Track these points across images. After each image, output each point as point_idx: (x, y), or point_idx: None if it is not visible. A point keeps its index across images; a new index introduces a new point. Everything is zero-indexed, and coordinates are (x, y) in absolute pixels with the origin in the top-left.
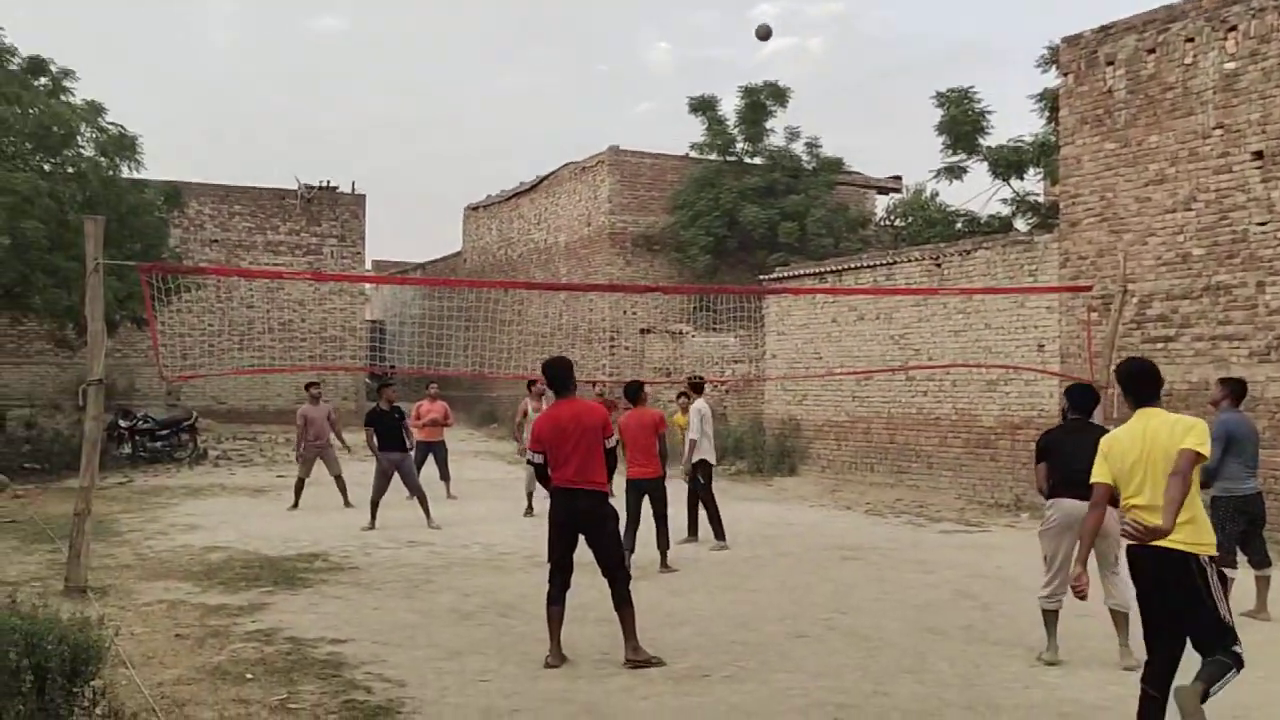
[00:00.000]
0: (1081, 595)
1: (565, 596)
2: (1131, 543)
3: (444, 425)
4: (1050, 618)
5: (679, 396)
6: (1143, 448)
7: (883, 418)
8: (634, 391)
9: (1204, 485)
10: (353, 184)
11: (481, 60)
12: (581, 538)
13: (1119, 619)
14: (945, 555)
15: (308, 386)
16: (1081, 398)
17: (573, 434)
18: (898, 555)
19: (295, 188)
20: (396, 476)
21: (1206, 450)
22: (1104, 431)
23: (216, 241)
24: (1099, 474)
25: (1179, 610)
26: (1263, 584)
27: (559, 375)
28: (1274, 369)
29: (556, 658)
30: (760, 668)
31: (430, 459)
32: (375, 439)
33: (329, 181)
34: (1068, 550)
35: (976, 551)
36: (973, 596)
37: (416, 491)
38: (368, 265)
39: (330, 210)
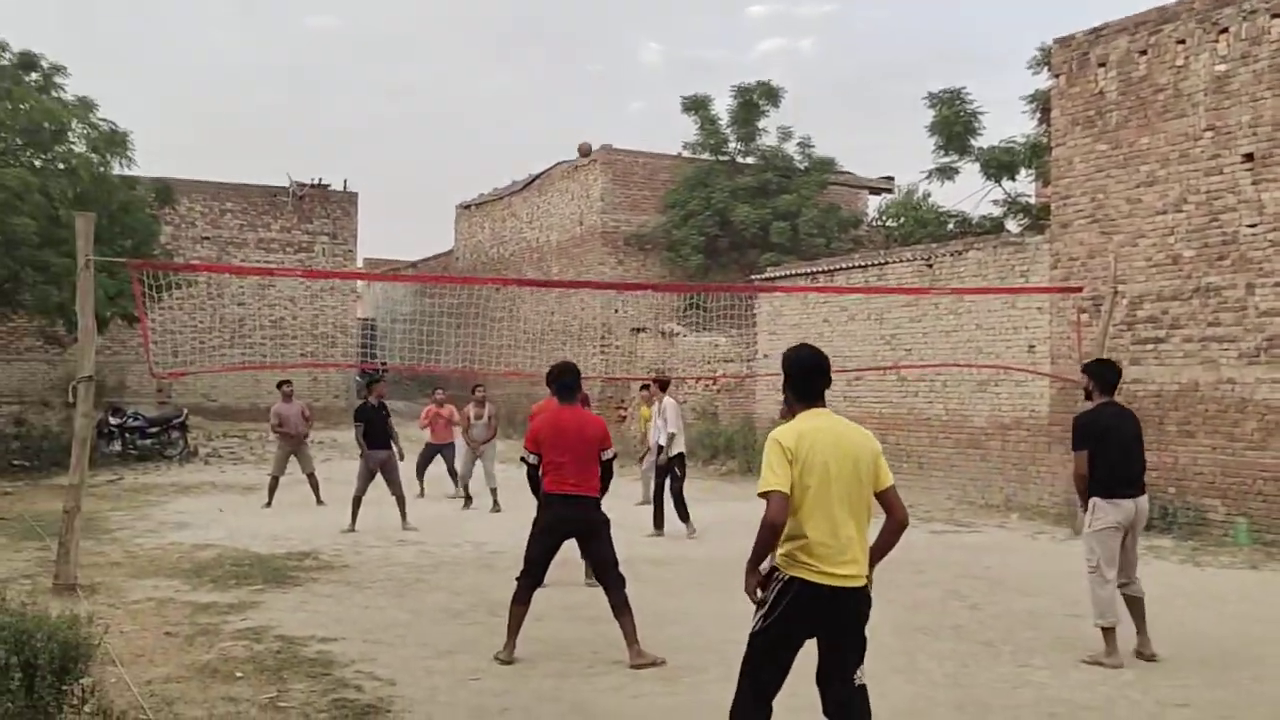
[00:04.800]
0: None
1: (531, 598)
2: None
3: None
4: (1110, 634)
5: (643, 389)
6: (838, 459)
7: (874, 417)
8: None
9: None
10: (344, 182)
11: (473, 59)
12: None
13: (1137, 606)
14: (935, 555)
15: (280, 385)
16: (1112, 375)
17: (573, 441)
18: (888, 556)
19: (287, 185)
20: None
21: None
22: (1135, 416)
23: (208, 239)
24: (781, 481)
25: (842, 641)
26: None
27: (565, 381)
28: (1263, 370)
29: (509, 654)
30: None
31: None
32: (363, 436)
33: (321, 179)
34: (1117, 555)
35: (966, 552)
36: (962, 597)
37: (397, 492)
38: (359, 263)
39: (322, 208)
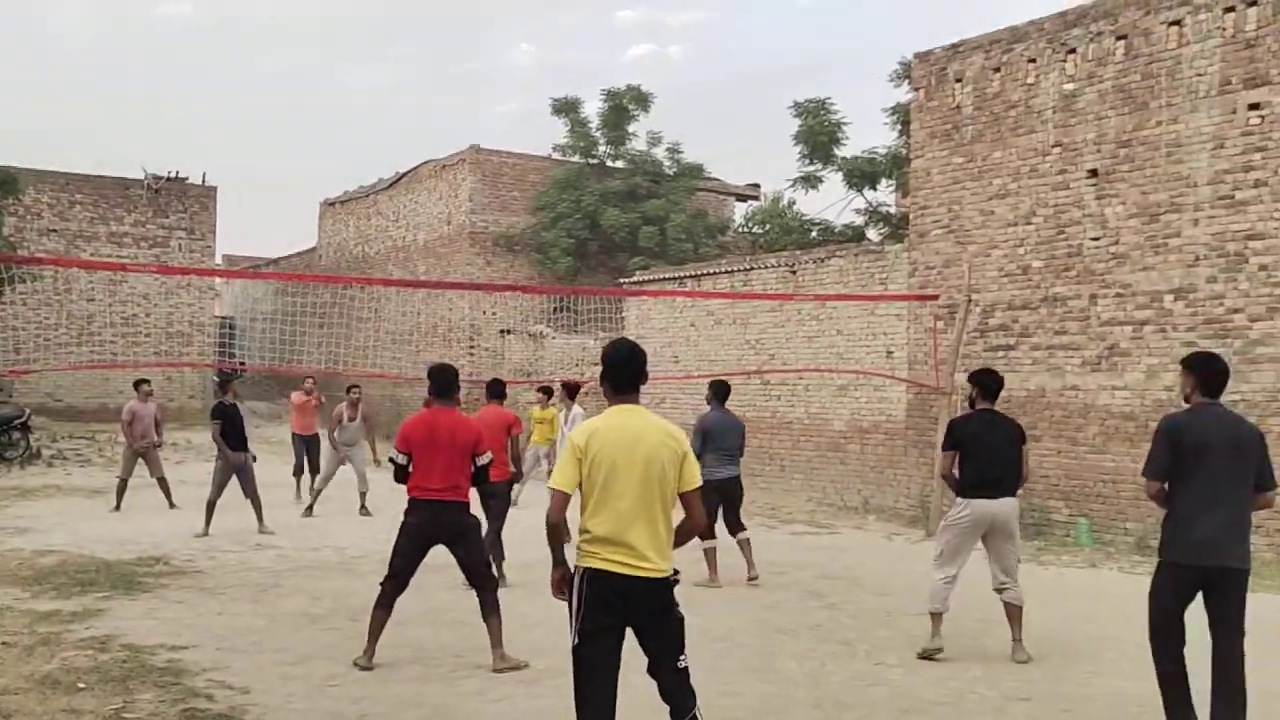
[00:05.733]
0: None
1: (394, 603)
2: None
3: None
4: (936, 619)
5: (539, 391)
6: (628, 457)
7: None
8: (497, 389)
9: None
10: (203, 175)
11: (341, 54)
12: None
13: (1014, 613)
14: (795, 556)
15: (137, 384)
16: (993, 383)
17: (445, 444)
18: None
19: (141, 177)
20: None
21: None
22: (1016, 425)
23: (55, 231)
24: (563, 480)
25: (653, 632)
26: (745, 546)
27: (442, 382)
28: (1104, 378)
29: (369, 659)
30: None
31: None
32: (221, 434)
33: (177, 172)
34: (968, 552)
35: (825, 553)
36: (821, 596)
37: (253, 495)
38: (218, 259)
39: (179, 202)
